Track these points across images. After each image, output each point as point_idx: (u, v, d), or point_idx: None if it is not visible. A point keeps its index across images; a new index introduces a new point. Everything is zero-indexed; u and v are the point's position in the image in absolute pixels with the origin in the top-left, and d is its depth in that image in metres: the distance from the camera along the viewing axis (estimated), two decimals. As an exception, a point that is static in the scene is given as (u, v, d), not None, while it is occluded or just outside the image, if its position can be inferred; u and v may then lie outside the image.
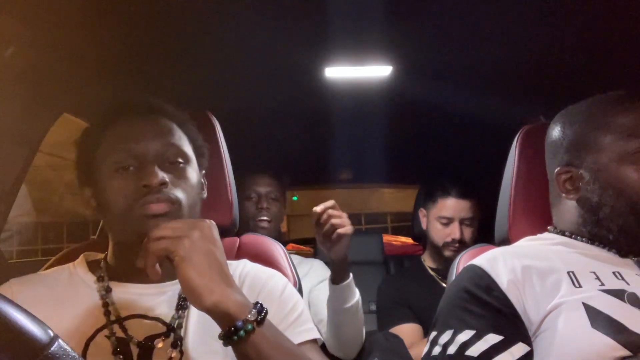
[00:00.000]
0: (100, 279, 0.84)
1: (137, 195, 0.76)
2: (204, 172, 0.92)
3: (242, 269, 0.90)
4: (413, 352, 1.43)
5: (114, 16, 1.11)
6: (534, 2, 1.10)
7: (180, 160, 0.83)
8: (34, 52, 1.14)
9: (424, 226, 1.93)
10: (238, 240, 1.17)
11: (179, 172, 0.82)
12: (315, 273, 1.71)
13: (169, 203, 0.77)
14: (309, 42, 1.31)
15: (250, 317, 0.66)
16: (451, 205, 1.80)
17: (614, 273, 0.84)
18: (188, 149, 0.86)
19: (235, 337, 0.65)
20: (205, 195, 0.91)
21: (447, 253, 1.79)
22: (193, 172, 0.85)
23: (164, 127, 0.84)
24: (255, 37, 1.26)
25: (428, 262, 1.92)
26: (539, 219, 1.02)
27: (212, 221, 0.74)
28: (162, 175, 0.77)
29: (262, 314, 0.68)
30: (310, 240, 2.98)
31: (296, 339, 0.79)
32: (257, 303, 0.69)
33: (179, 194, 0.79)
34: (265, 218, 1.75)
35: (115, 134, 0.82)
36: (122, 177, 0.78)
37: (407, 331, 1.67)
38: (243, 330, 0.65)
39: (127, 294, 0.82)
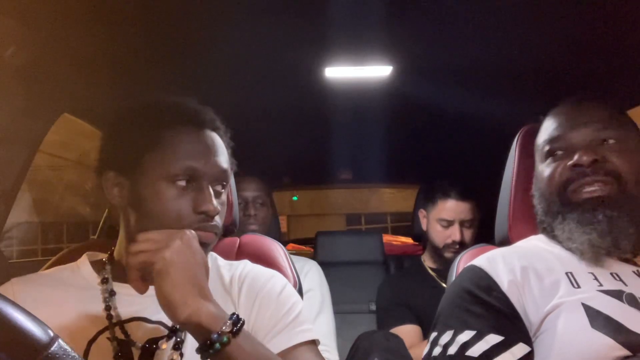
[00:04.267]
0: (104, 281, 0.84)
1: (192, 219, 0.77)
2: None
3: (242, 269, 0.90)
4: (412, 353, 1.43)
5: (113, 16, 1.11)
6: (534, 3, 1.10)
7: (225, 184, 0.84)
8: (34, 52, 1.14)
9: (424, 227, 1.93)
10: (238, 240, 1.17)
11: (222, 197, 0.83)
12: (305, 279, 1.72)
13: (214, 233, 0.80)
14: (309, 42, 1.31)
15: (225, 328, 0.65)
16: (451, 208, 1.80)
17: (611, 274, 0.84)
18: (230, 170, 0.86)
19: (211, 351, 0.64)
20: None
21: (448, 254, 1.79)
22: (226, 196, 0.86)
23: (219, 146, 0.84)
24: (255, 37, 1.26)
25: (428, 262, 1.92)
26: (539, 219, 1.02)
27: (193, 231, 0.72)
28: (217, 205, 0.79)
29: (238, 325, 0.66)
30: (310, 240, 2.98)
31: (293, 340, 0.79)
32: (233, 314, 0.68)
33: (221, 222, 0.82)
34: (253, 224, 1.77)
35: (174, 143, 0.80)
36: (177, 192, 0.78)
37: (406, 332, 1.67)
38: (218, 343, 0.64)
39: (130, 295, 0.81)
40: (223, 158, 0.83)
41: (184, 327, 0.66)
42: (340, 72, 1.49)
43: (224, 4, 1.11)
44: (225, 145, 0.87)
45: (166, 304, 0.65)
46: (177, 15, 1.15)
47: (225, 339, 0.64)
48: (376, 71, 1.49)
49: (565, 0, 1.08)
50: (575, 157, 0.86)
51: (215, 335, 0.64)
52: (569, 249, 0.88)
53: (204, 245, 0.77)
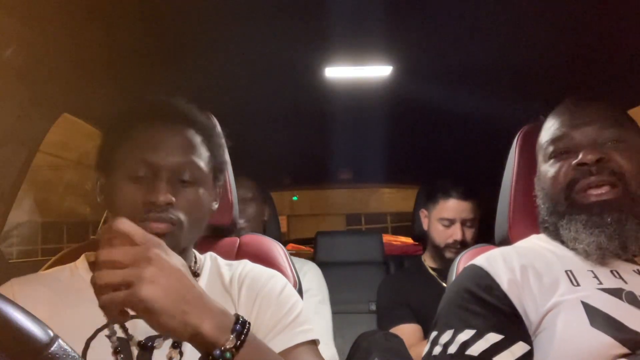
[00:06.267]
0: None
1: (142, 209, 0.77)
2: (220, 183, 0.92)
3: (242, 269, 0.90)
4: (412, 352, 1.43)
5: (113, 16, 1.11)
6: (534, 3, 1.10)
7: (194, 180, 0.82)
8: (33, 52, 1.14)
9: (425, 227, 1.93)
10: (238, 240, 1.17)
11: (189, 192, 0.81)
12: (303, 279, 1.70)
13: (170, 224, 0.78)
14: (309, 42, 1.31)
15: (228, 344, 0.60)
16: (452, 207, 1.80)
17: (611, 272, 0.84)
18: (206, 166, 0.85)
19: None
20: (216, 206, 0.91)
21: (449, 254, 1.79)
22: (204, 192, 0.84)
23: (187, 139, 0.83)
24: (255, 37, 1.26)
25: (428, 262, 1.92)
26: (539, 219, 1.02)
27: (156, 239, 0.62)
28: (169, 195, 0.77)
29: (242, 337, 0.61)
30: (310, 240, 2.98)
31: (293, 341, 0.79)
32: (237, 320, 0.62)
33: (182, 215, 0.79)
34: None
35: (136, 138, 0.81)
36: (133, 186, 0.79)
37: (406, 331, 1.67)
38: (221, 359, 0.60)
39: None
40: (187, 151, 0.82)
41: (189, 342, 0.62)
42: (340, 72, 1.49)
43: (224, 4, 1.10)
44: (204, 140, 0.86)
45: (165, 331, 0.59)
46: (176, 15, 1.15)
47: (228, 355, 0.60)
48: (376, 71, 1.49)
49: (565, 0, 1.08)
50: (580, 155, 0.86)
51: (217, 352, 0.60)
52: (573, 249, 0.88)
53: (159, 236, 0.72)
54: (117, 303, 0.55)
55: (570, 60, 1.36)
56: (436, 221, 1.84)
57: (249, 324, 0.64)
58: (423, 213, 1.95)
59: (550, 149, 0.92)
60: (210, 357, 0.60)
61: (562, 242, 0.91)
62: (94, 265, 0.86)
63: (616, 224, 0.83)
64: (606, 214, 0.84)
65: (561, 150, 0.90)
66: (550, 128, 0.94)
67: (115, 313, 0.57)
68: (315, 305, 1.68)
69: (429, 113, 1.84)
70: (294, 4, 1.12)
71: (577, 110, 0.92)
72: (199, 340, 0.60)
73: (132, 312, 0.58)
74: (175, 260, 0.61)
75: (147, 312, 0.56)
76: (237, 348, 0.61)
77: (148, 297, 0.54)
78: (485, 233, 1.79)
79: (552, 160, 0.92)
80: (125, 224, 0.59)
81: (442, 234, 1.82)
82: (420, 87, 1.59)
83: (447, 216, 1.81)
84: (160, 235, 0.76)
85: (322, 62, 1.42)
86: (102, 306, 0.56)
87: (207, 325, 0.59)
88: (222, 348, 0.60)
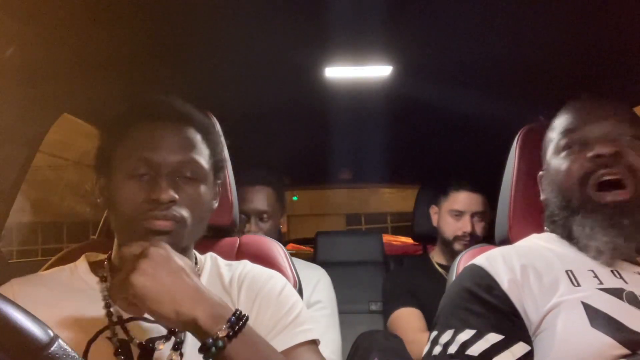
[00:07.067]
0: (103, 280, 0.84)
1: (144, 207, 0.77)
2: (220, 181, 0.92)
3: (241, 269, 0.90)
4: (421, 338, 1.42)
5: (114, 16, 1.11)
6: (535, 2, 1.10)
7: (195, 177, 0.82)
8: (34, 51, 1.14)
9: (434, 223, 1.94)
10: (238, 240, 1.17)
11: (191, 189, 0.81)
12: (315, 289, 1.66)
13: (174, 221, 0.78)
14: (309, 42, 1.31)
15: (221, 333, 0.64)
16: (463, 199, 1.82)
17: (612, 271, 0.84)
18: (207, 164, 0.85)
19: (209, 353, 0.64)
20: (216, 204, 0.91)
21: (458, 247, 1.79)
22: (206, 190, 0.84)
23: (186, 138, 0.83)
24: (255, 37, 1.26)
25: (436, 258, 1.94)
26: (539, 219, 1.02)
27: (165, 245, 0.72)
28: (172, 192, 0.77)
29: (236, 328, 0.66)
30: (310, 240, 2.98)
31: (293, 340, 0.79)
32: (235, 312, 0.67)
33: (186, 213, 0.79)
34: None
35: (136, 138, 0.81)
36: (135, 184, 0.79)
37: (409, 314, 1.70)
38: (214, 347, 0.64)
39: None
40: (188, 149, 0.82)
41: (185, 330, 0.67)
42: (340, 72, 1.49)
43: (224, 4, 1.11)
44: (203, 138, 0.86)
45: (160, 319, 0.66)
46: (177, 15, 1.15)
47: (220, 343, 0.64)
48: (376, 71, 1.49)
49: (565, 0, 1.08)
50: (596, 148, 0.85)
51: (210, 340, 0.64)
52: (584, 246, 0.88)
53: (163, 234, 0.77)
54: (117, 288, 0.67)
55: (571, 60, 1.36)
56: (446, 214, 1.85)
57: (247, 318, 0.67)
58: (433, 209, 1.96)
59: (564, 141, 0.91)
60: (203, 345, 0.65)
61: (570, 238, 0.90)
62: (94, 266, 0.87)
63: (633, 226, 0.83)
64: (623, 216, 0.83)
65: (575, 141, 0.89)
66: (563, 122, 0.93)
67: (120, 296, 0.67)
68: (326, 321, 1.60)
69: (429, 113, 1.84)
70: (294, 4, 1.12)
71: (591, 105, 0.92)
72: (193, 327, 0.65)
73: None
74: (177, 259, 0.68)
75: (137, 297, 0.65)
76: (229, 337, 0.65)
77: (136, 283, 0.65)
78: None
79: (564, 153, 0.90)
80: (126, 251, 0.71)
81: (452, 226, 1.83)
82: (421, 87, 1.59)
83: (457, 208, 1.82)
84: (164, 232, 0.77)
85: (322, 62, 1.42)
86: (110, 290, 0.69)
87: (201, 314, 0.65)
88: (215, 336, 0.64)
